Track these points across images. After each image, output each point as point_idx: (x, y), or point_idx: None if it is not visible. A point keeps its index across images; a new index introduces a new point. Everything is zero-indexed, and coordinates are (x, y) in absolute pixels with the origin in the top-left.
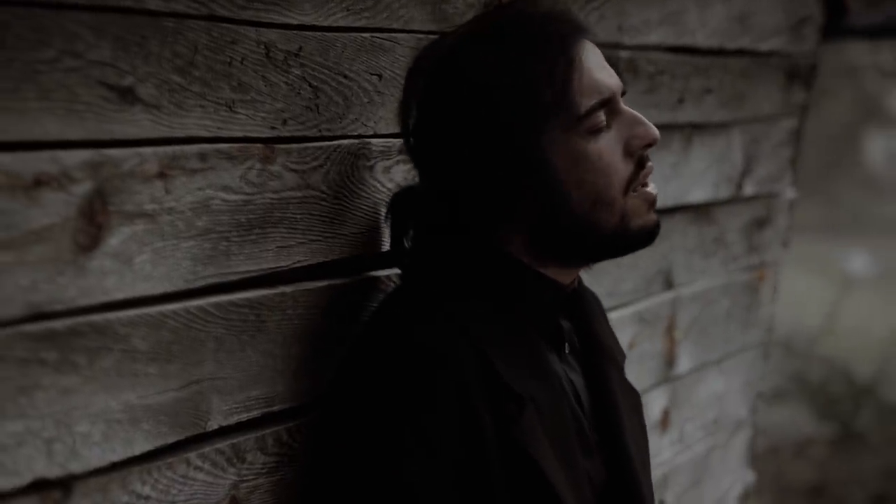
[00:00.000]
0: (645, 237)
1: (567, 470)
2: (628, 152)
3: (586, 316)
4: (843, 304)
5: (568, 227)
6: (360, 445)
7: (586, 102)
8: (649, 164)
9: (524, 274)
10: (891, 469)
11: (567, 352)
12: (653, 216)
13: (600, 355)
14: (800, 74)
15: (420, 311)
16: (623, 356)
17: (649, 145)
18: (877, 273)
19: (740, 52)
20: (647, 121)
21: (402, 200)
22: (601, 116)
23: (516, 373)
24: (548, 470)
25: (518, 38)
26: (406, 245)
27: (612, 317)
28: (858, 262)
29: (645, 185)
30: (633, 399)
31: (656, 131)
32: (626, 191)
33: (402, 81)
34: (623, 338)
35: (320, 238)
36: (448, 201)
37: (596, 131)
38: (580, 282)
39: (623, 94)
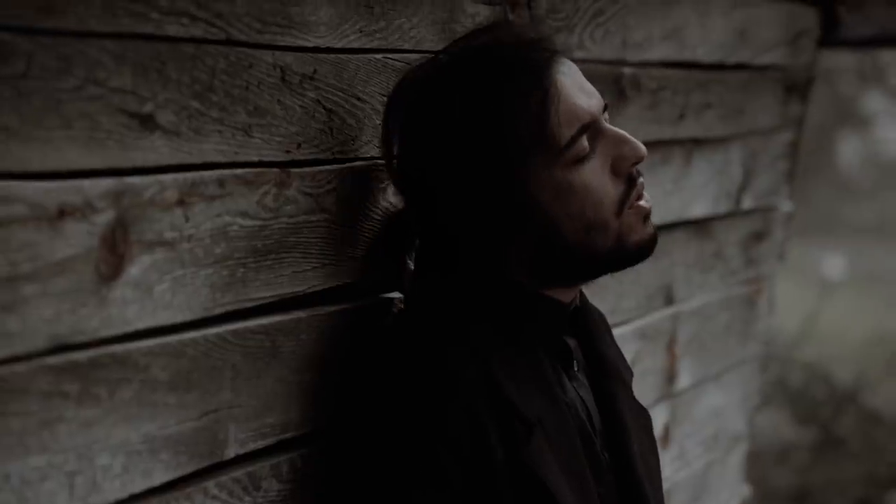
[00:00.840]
0: (644, 251)
1: (577, 492)
2: (616, 173)
3: (591, 334)
4: (820, 307)
5: (565, 254)
6: (374, 473)
7: (566, 133)
8: (640, 180)
9: (526, 297)
10: (872, 474)
11: (576, 370)
12: (649, 229)
13: (607, 374)
14: (797, 87)
15: (429, 337)
16: (631, 373)
17: (636, 163)
18: (852, 276)
19: (739, 67)
20: (631, 138)
21: (396, 224)
22: (584, 143)
23: (525, 396)
24: (558, 492)
25: (492, 72)
26: (406, 266)
27: (615, 334)
28: (834, 265)
29: (639, 199)
30: (643, 418)
31: (642, 148)
32: (619, 212)
33: None
34: (626, 355)
35: (334, 262)
36: (441, 234)
37: (580, 159)
38: (583, 299)
39: (605, 108)
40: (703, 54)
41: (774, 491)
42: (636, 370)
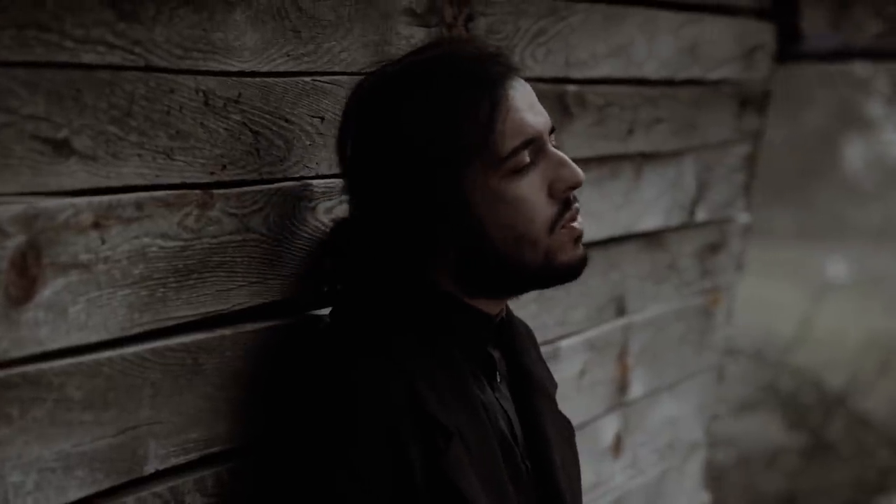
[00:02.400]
0: (572, 271)
1: (496, 500)
2: (553, 194)
3: (515, 346)
4: (817, 311)
5: (492, 263)
6: (294, 482)
7: (510, 144)
8: (575, 205)
9: (452, 306)
10: (861, 479)
11: (499, 381)
12: (579, 251)
13: (530, 385)
14: (752, 101)
15: (349, 346)
16: (555, 385)
17: (573, 188)
18: (854, 279)
19: (690, 82)
20: (571, 163)
21: (338, 234)
22: (524, 157)
23: (444, 406)
24: (475, 501)
25: (445, 79)
26: (337, 279)
27: (563, 345)
28: (835, 268)
29: (572, 221)
30: (565, 429)
31: (580, 174)
32: (550, 230)
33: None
34: (573, 366)
35: (260, 280)
36: (377, 236)
37: (519, 171)
38: (509, 312)
39: (552, 131)
40: (650, 71)
41: (763, 496)
42: (585, 381)
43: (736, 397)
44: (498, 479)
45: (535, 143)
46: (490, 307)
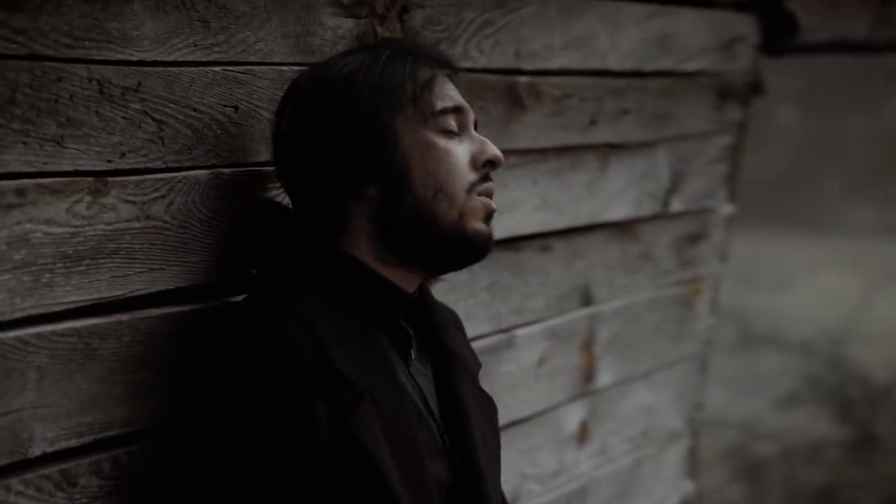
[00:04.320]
0: (479, 245)
1: (406, 465)
2: (474, 165)
3: (436, 326)
4: (872, 305)
5: (410, 211)
6: (195, 444)
7: (441, 103)
8: (491, 183)
9: (364, 274)
10: None
11: (414, 358)
12: (488, 228)
13: (451, 363)
14: (733, 92)
15: (259, 306)
16: (478, 365)
17: (492, 162)
18: None
19: (661, 73)
20: (493, 145)
21: (250, 214)
22: (452, 121)
23: (356, 366)
24: (382, 462)
25: (390, 52)
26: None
27: (520, 333)
28: None
29: (488, 195)
30: (488, 407)
31: (501, 154)
32: (468, 190)
33: (261, 112)
34: (531, 354)
35: (163, 267)
36: (301, 198)
37: (446, 132)
38: (428, 294)
39: (476, 125)
40: (614, 62)
41: (803, 488)
42: (544, 370)
43: (781, 390)
44: (411, 445)
45: (462, 115)
46: (404, 281)
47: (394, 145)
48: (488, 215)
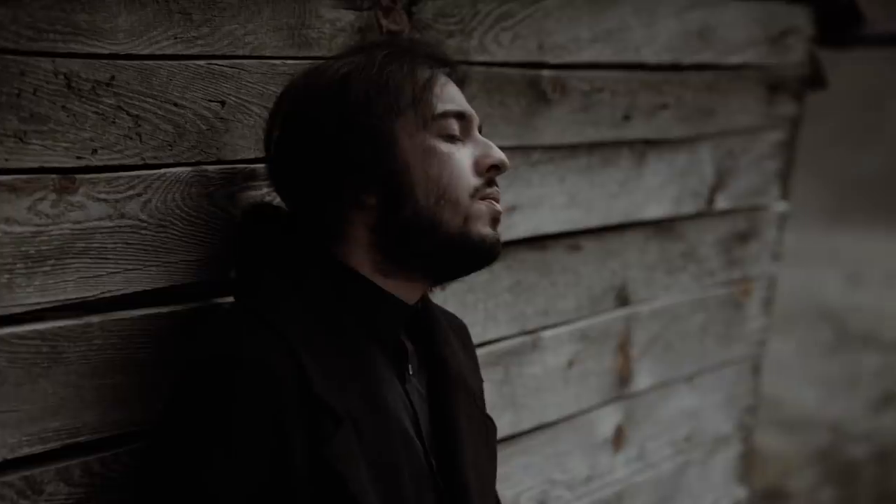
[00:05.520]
0: (486, 250)
1: (387, 492)
2: (477, 170)
3: (435, 340)
4: None
5: (412, 219)
6: (171, 453)
7: (442, 106)
8: (496, 187)
9: (360, 286)
10: None
11: (411, 373)
12: (495, 233)
13: (447, 380)
14: (785, 86)
15: (241, 322)
16: (480, 383)
17: (496, 166)
18: None
19: (701, 67)
20: (497, 148)
21: (247, 217)
22: (454, 125)
23: (338, 390)
24: (357, 490)
25: (387, 51)
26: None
27: (547, 335)
28: None
29: (494, 199)
30: (484, 427)
31: (505, 157)
32: (472, 195)
33: (251, 107)
34: (559, 357)
35: (140, 267)
36: (296, 206)
37: (447, 137)
38: (429, 304)
39: (480, 128)
40: (649, 55)
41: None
42: (574, 372)
43: (877, 391)
44: (392, 471)
45: (465, 120)
46: (406, 293)
47: (393, 151)
48: (494, 220)
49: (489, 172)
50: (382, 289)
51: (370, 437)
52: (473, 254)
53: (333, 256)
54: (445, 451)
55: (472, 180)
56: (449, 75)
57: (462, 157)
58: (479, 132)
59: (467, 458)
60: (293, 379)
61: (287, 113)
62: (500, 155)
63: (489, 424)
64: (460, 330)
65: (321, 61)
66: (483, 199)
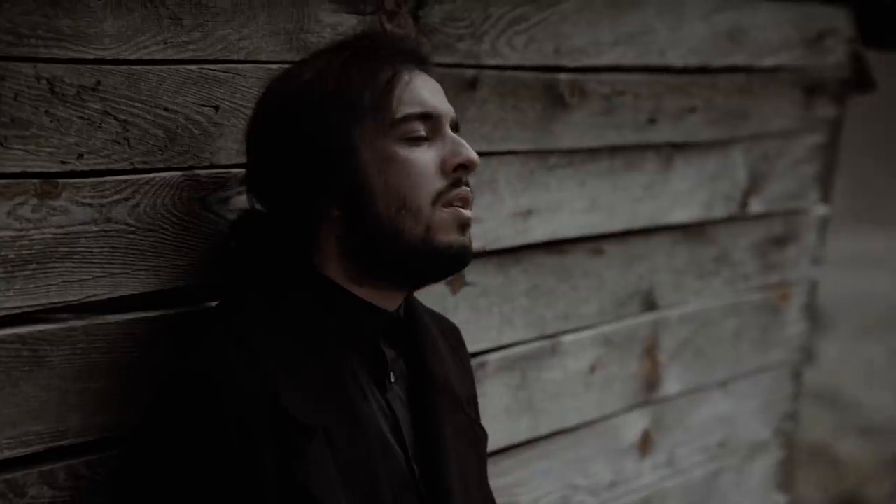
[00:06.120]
0: (452, 257)
1: (364, 501)
2: (444, 170)
3: (419, 346)
4: None
5: (373, 230)
6: (143, 466)
7: (404, 109)
8: (465, 187)
9: (336, 296)
10: None
11: (392, 381)
12: (464, 238)
13: (431, 388)
14: (823, 89)
15: (214, 337)
16: (467, 388)
17: (464, 167)
18: None
19: (732, 69)
20: (468, 146)
21: (238, 225)
22: (418, 127)
23: (310, 403)
24: (325, 501)
25: (353, 51)
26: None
27: (567, 340)
28: None
29: (460, 205)
30: (472, 434)
31: (475, 156)
32: (434, 202)
33: (246, 111)
34: (580, 361)
35: (128, 271)
36: (270, 217)
37: (411, 140)
38: (414, 308)
39: (456, 127)
40: (675, 58)
41: None
42: (597, 377)
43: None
44: (370, 483)
45: (432, 121)
46: (382, 300)
47: (353, 162)
48: (462, 226)
49: (456, 172)
50: (359, 297)
51: (345, 447)
52: (438, 261)
53: (313, 266)
54: (428, 458)
55: (436, 184)
56: (423, 70)
57: (425, 161)
58: (456, 128)
59: (451, 464)
60: (261, 394)
61: (259, 123)
62: (467, 153)
63: (477, 431)
64: (451, 333)
65: (293, 65)
66: (448, 204)
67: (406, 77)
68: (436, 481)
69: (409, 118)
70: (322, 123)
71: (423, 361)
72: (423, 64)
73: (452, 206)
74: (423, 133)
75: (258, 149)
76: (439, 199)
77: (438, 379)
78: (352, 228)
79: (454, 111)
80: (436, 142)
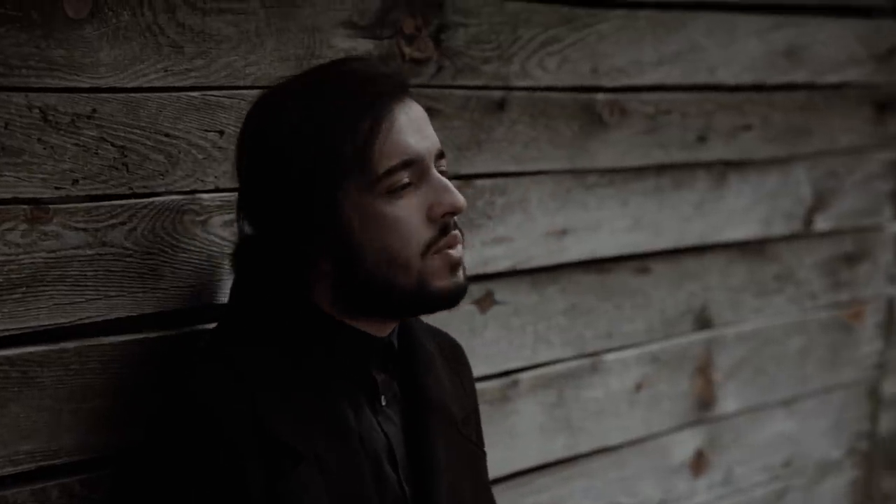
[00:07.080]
0: (446, 299)
1: None
2: (431, 218)
3: (414, 367)
4: None
5: (365, 284)
6: (141, 492)
7: (386, 163)
8: (453, 231)
9: (328, 326)
10: None
11: (384, 403)
12: (457, 278)
13: (425, 408)
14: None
15: (206, 364)
16: (465, 407)
17: (451, 213)
18: None
19: (790, 87)
20: (454, 189)
21: (239, 251)
22: (402, 177)
23: (298, 427)
24: None
25: (330, 97)
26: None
27: (609, 358)
28: None
29: (449, 248)
30: (469, 454)
31: (461, 200)
32: (423, 253)
33: None
34: (624, 380)
35: (124, 293)
36: (264, 251)
37: (395, 192)
38: (410, 329)
39: (441, 156)
40: (727, 76)
41: None
42: (643, 395)
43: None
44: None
45: (415, 165)
46: (374, 328)
47: (337, 221)
48: (453, 267)
49: (444, 218)
50: (351, 326)
51: (335, 471)
52: (433, 303)
53: (306, 298)
54: (420, 479)
55: (424, 236)
56: (401, 101)
57: (410, 214)
58: (442, 157)
59: (442, 485)
60: (249, 419)
61: (244, 154)
62: (452, 199)
63: (473, 450)
64: (451, 350)
65: (276, 92)
66: (437, 252)
67: (386, 124)
68: (427, 501)
69: (392, 171)
70: (308, 178)
71: (417, 383)
72: (403, 92)
73: (441, 252)
74: (407, 180)
75: (248, 181)
76: (429, 250)
77: (432, 399)
78: (342, 281)
79: (439, 142)
80: (421, 186)
